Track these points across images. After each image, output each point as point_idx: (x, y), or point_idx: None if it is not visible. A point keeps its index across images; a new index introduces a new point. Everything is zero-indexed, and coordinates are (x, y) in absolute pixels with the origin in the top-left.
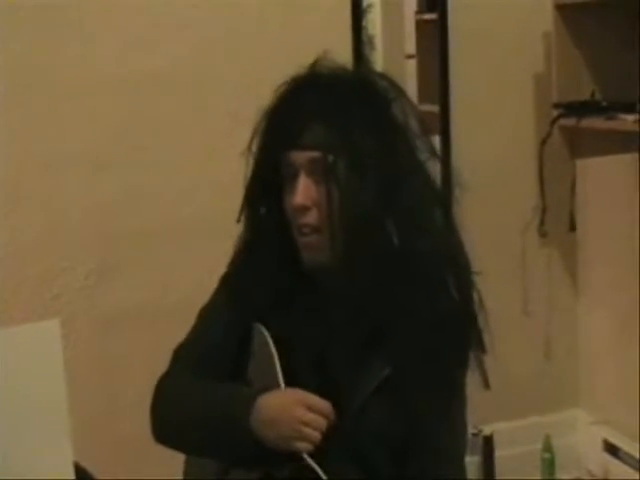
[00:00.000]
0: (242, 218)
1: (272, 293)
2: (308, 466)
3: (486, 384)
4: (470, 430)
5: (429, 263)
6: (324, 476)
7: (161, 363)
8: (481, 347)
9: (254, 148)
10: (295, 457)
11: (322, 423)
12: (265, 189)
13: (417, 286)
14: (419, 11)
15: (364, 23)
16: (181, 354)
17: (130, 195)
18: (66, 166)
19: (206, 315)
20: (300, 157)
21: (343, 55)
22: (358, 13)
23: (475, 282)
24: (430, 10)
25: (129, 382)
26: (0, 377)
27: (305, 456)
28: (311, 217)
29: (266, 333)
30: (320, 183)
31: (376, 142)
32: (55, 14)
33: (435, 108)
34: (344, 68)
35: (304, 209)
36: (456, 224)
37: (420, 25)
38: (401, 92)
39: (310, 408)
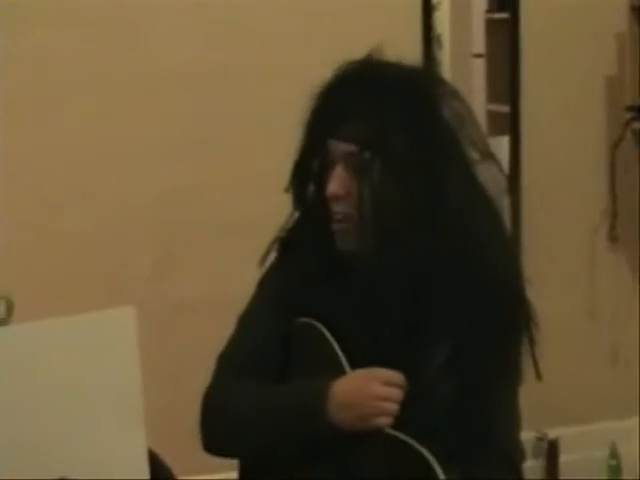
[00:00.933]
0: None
1: (311, 278)
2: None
3: (538, 375)
4: (535, 434)
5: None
6: (418, 445)
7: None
8: (530, 328)
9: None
10: (372, 436)
11: (399, 394)
12: (308, 174)
13: (467, 271)
14: (489, 10)
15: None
16: (226, 362)
17: (196, 187)
18: (136, 157)
19: (247, 320)
20: (338, 148)
21: (411, 53)
22: (428, 11)
23: (521, 270)
24: (501, 9)
25: (192, 372)
26: (75, 363)
27: (389, 430)
28: (343, 206)
29: (318, 325)
30: (354, 175)
31: (415, 141)
32: (127, 13)
33: (504, 108)
34: (395, 64)
35: (337, 198)
36: (505, 229)
37: (490, 24)
38: (454, 92)
39: (385, 382)
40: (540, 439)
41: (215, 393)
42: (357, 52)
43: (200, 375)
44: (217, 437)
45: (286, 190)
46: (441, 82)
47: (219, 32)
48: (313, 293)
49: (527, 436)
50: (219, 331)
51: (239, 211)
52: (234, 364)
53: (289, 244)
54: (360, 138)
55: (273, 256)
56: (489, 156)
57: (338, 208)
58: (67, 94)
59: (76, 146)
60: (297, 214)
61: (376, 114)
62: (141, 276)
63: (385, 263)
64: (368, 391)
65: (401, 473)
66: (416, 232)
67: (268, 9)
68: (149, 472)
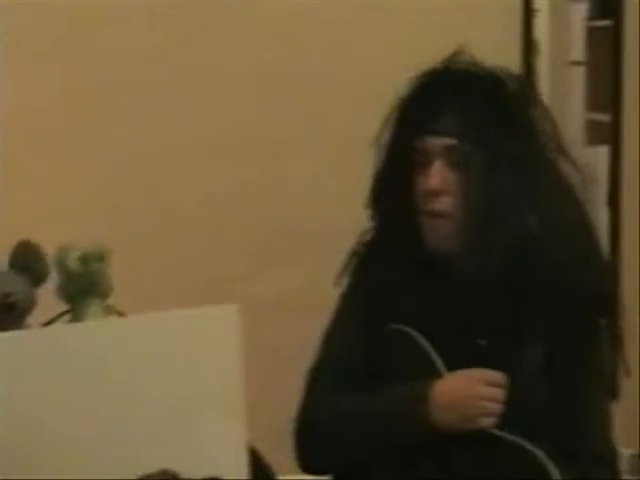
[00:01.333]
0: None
1: (398, 282)
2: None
3: (627, 372)
4: (630, 451)
5: (566, 253)
6: (530, 446)
7: (311, 355)
8: (616, 325)
9: (386, 136)
10: (475, 437)
11: (502, 394)
12: (396, 175)
13: (562, 268)
14: (591, 18)
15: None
16: (316, 377)
17: (288, 187)
18: (228, 157)
19: (333, 334)
20: (435, 143)
21: (509, 58)
22: (529, 16)
23: (609, 272)
24: (603, 17)
25: (283, 370)
26: (178, 358)
27: (494, 431)
28: (442, 202)
29: (410, 331)
30: (453, 170)
31: (509, 136)
32: (199, 14)
33: (604, 117)
34: (480, 64)
35: (436, 193)
36: (593, 225)
37: (591, 32)
38: (537, 97)
39: (487, 383)
40: (635, 456)
41: (309, 409)
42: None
43: (291, 373)
44: (317, 453)
45: (367, 206)
46: (523, 80)
47: (298, 34)
48: (401, 298)
49: (622, 453)
50: (311, 330)
51: (330, 212)
52: (324, 379)
53: (370, 253)
54: (459, 131)
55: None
56: (566, 154)
57: (435, 205)
58: (142, 93)
59: (162, 145)
60: (377, 221)
61: (472, 107)
62: (235, 275)
63: (487, 261)
64: (471, 391)
65: (507, 474)
66: (515, 228)
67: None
68: (249, 469)
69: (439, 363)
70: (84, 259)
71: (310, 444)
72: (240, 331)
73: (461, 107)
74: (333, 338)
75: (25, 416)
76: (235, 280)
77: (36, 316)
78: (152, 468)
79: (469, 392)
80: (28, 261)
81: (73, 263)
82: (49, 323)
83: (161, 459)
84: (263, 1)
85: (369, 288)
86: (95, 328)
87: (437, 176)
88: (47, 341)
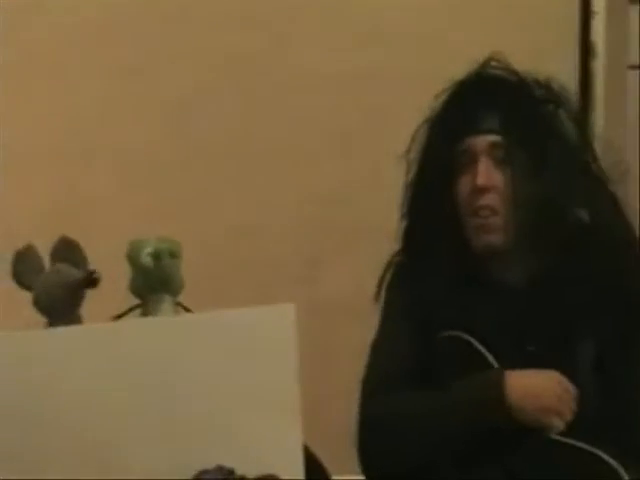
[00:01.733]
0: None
1: (447, 286)
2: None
3: None
4: None
5: (619, 245)
6: (597, 450)
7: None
8: None
9: (421, 144)
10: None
11: (574, 406)
12: (439, 179)
13: (610, 265)
14: None
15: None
16: (372, 384)
17: (344, 188)
18: (286, 159)
19: (383, 343)
20: (480, 142)
21: (567, 61)
22: (586, 20)
23: None
24: None
25: (337, 372)
26: (234, 356)
27: (556, 436)
28: (490, 199)
29: (464, 335)
30: (500, 166)
31: (551, 133)
32: (273, 16)
33: None
34: (514, 69)
35: (485, 190)
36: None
37: None
38: (571, 101)
39: (563, 388)
40: None
41: (371, 413)
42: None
43: (345, 374)
44: (384, 456)
45: (401, 218)
46: (560, 89)
47: (362, 33)
48: (448, 305)
49: None
50: (366, 332)
51: (386, 213)
52: (381, 385)
53: (413, 261)
54: (503, 128)
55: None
56: (595, 156)
57: (484, 202)
58: (216, 93)
59: (224, 147)
60: (417, 229)
61: (513, 106)
62: (291, 276)
63: (538, 254)
64: (551, 388)
65: (573, 477)
66: (566, 225)
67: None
68: (304, 468)
69: (497, 367)
70: (157, 254)
71: (377, 448)
72: (296, 330)
73: (502, 106)
74: (384, 348)
75: (91, 410)
76: (290, 282)
77: (101, 310)
78: (209, 464)
79: (549, 387)
80: (69, 254)
81: (146, 258)
82: (119, 317)
83: (218, 456)
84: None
85: (416, 297)
86: (159, 324)
87: (484, 173)
88: (114, 336)
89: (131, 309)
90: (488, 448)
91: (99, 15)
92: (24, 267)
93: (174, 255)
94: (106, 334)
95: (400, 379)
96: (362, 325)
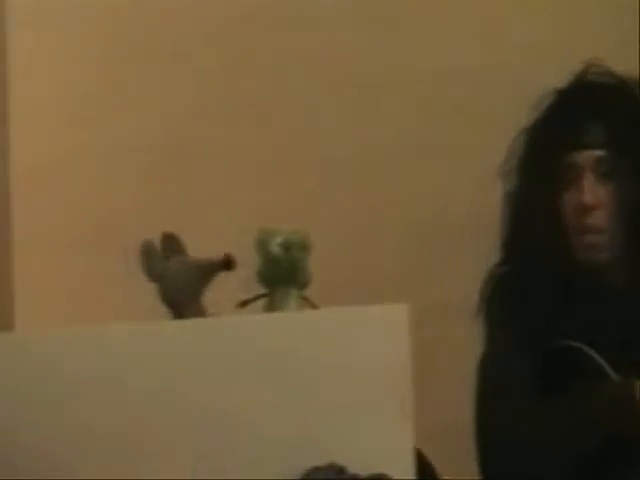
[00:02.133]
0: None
1: (552, 292)
2: None
3: None
4: None
5: None
6: None
7: (472, 360)
8: None
9: (524, 148)
10: None
11: None
12: (543, 194)
13: None
14: None
15: None
16: (489, 397)
17: (448, 187)
18: (389, 159)
19: (496, 357)
20: (585, 157)
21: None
22: None
23: None
24: None
25: (446, 374)
26: (347, 354)
27: None
28: (596, 217)
29: (578, 344)
30: (604, 181)
31: None
32: (398, 14)
33: None
34: (614, 74)
35: (591, 209)
36: None
37: None
38: None
39: None
40: None
41: (494, 426)
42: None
43: (451, 377)
44: (512, 470)
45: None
46: None
47: (473, 36)
48: (557, 315)
49: None
50: (469, 336)
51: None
52: (496, 398)
53: (518, 275)
54: (608, 142)
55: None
56: None
57: (590, 220)
58: (341, 94)
59: (338, 149)
60: (520, 243)
61: (616, 117)
62: (392, 277)
63: None
64: None
65: None
66: None
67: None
68: (415, 468)
69: (614, 375)
70: (286, 245)
71: (507, 459)
72: (409, 331)
73: (605, 119)
74: (495, 361)
75: (211, 402)
76: (395, 282)
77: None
78: (321, 461)
79: None
80: (175, 247)
81: (275, 248)
82: (244, 303)
83: (330, 453)
84: None
85: (523, 308)
86: (279, 319)
87: (590, 190)
88: (237, 329)
89: (258, 297)
90: (613, 461)
91: (199, 18)
92: (150, 261)
93: (304, 248)
94: (230, 327)
95: (516, 391)
96: (468, 330)
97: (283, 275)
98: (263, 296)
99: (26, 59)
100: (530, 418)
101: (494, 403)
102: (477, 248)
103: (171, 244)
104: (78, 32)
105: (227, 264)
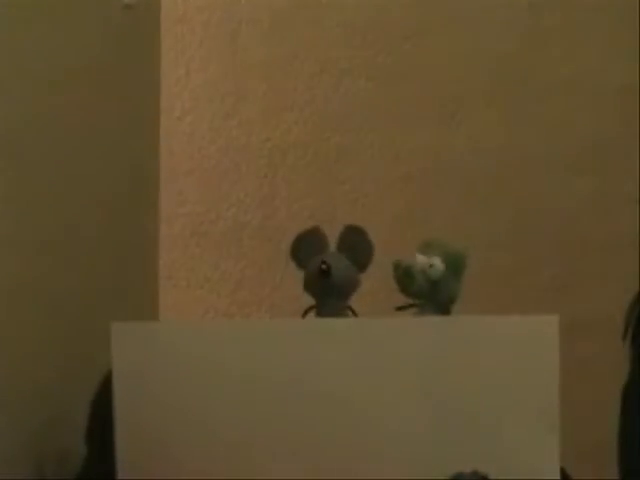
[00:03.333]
0: None
1: None
2: None
3: None
4: None
5: None
6: None
7: (613, 380)
8: None
9: None
10: None
11: None
12: None
13: None
14: None
15: None
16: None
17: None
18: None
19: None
20: None
21: None
22: None
23: None
24: None
25: (588, 389)
26: (498, 362)
27: None
28: None
29: None
30: None
31: None
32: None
33: None
34: None
35: None
36: None
37: None
38: None
39: None
40: None
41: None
42: None
43: (595, 393)
44: None
45: None
46: None
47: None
48: None
49: None
50: (607, 355)
51: None
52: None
53: None
54: None
55: None
56: None
57: None
58: (486, 97)
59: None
60: None
61: None
62: (538, 288)
63: None
64: None
65: None
66: None
67: None
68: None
69: None
70: (445, 263)
71: None
72: (559, 343)
73: None
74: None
75: (349, 406)
76: (540, 293)
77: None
78: (464, 467)
79: None
80: (353, 244)
81: (433, 268)
82: (400, 309)
83: (473, 460)
84: None
85: None
86: (427, 324)
87: None
88: (386, 331)
89: (410, 306)
90: None
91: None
92: (304, 248)
93: (458, 268)
94: (379, 329)
95: None
96: (619, 347)
97: (430, 292)
98: (413, 306)
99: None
100: None
101: (636, 441)
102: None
103: (346, 237)
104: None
105: (320, 272)
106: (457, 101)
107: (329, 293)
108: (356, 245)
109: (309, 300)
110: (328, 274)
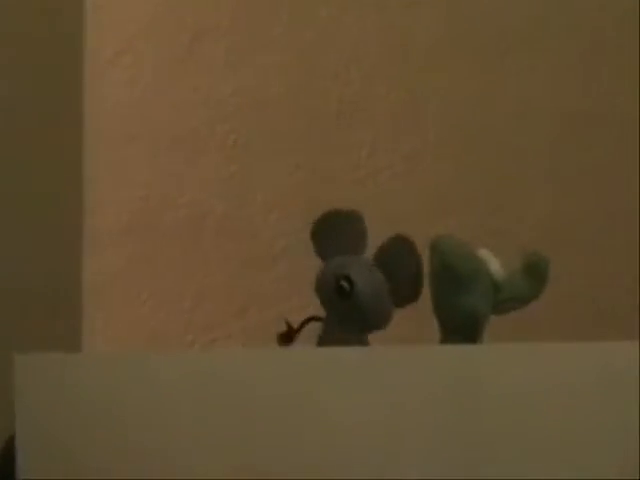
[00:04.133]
0: None
1: None
2: None
3: None
4: None
5: None
6: None
7: None
8: None
9: None
10: None
11: None
12: None
13: None
14: None
15: None
16: None
17: None
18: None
19: None
20: None
21: None
22: None
23: None
24: None
25: None
26: (576, 388)
27: None
28: None
29: None
30: None
31: None
32: None
33: None
34: None
35: None
36: None
37: None
38: None
39: None
40: None
41: None
42: None
43: None
44: None
45: None
46: None
47: None
48: None
49: None
50: None
51: None
52: None
53: None
54: None
55: None
56: None
57: None
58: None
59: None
60: None
61: None
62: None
63: None
64: None
65: None
66: None
67: None
68: None
69: None
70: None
71: None
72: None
73: None
74: None
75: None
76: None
77: None
78: None
79: None
80: (397, 263)
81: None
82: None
83: None
84: None
85: None
86: (496, 350)
87: None
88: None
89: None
90: None
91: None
92: (332, 235)
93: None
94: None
95: None
96: None
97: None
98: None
99: None
100: None
101: None
102: None
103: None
104: None
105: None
106: None
107: (345, 319)
108: (402, 266)
109: (295, 318)
110: (348, 295)
